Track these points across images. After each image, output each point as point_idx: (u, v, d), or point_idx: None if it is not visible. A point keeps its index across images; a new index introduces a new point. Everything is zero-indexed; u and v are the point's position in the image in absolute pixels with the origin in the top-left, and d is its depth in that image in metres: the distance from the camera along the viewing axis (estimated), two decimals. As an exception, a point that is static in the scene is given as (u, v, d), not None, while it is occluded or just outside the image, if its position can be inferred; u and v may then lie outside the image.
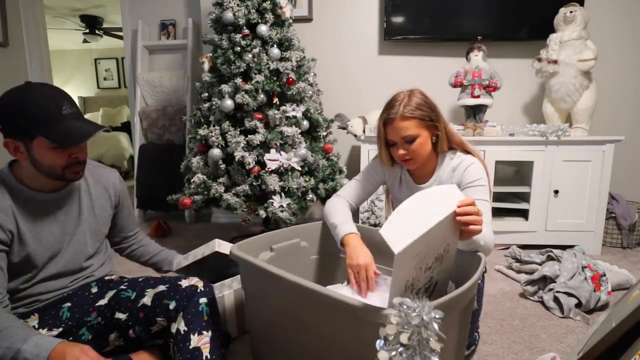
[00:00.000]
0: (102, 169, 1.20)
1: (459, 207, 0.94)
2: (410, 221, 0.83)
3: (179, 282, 1.06)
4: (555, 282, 1.66)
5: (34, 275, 1.02)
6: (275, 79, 2.04)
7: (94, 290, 1.13)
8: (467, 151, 1.28)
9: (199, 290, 1.04)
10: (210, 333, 1.01)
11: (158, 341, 1.10)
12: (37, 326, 1.01)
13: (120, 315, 1.05)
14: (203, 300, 1.04)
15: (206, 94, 2.12)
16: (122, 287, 1.11)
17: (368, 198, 1.43)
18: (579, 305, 1.58)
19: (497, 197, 2.34)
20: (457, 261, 1.13)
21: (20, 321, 0.90)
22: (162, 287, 1.06)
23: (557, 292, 1.60)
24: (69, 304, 1.07)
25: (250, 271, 1.10)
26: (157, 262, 1.36)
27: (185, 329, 0.99)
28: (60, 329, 1.03)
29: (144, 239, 1.37)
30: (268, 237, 1.27)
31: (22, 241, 0.98)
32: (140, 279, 1.13)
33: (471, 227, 0.94)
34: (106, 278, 1.18)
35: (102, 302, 1.09)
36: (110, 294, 1.10)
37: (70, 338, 1.03)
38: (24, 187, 1.00)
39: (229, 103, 1.98)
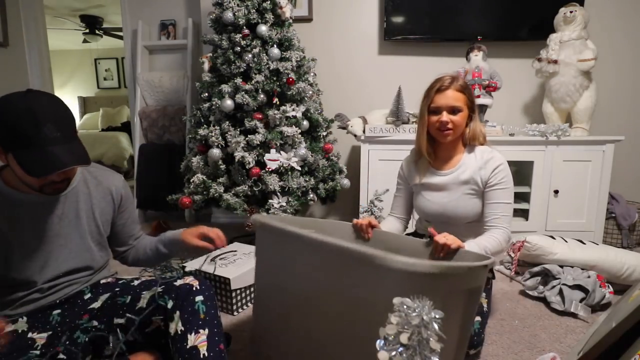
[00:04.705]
0: (106, 172, 1.18)
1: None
2: None
3: (174, 282, 1.06)
4: (556, 278, 1.67)
5: (25, 276, 1.01)
6: (275, 79, 2.04)
7: (87, 296, 1.12)
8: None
9: (194, 289, 1.04)
10: (207, 331, 1.00)
11: (162, 340, 1.10)
12: (26, 329, 1.01)
13: (119, 321, 1.06)
14: (199, 298, 1.04)
15: (206, 94, 2.12)
16: (117, 291, 1.11)
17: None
18: (583, 301, 1.58)
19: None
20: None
21: None
22: (157, 289, 1.06)
23: (563, 284, 1.61)
24: (59, 310, 1.07)
25: (274, 243, 1.11)
26: (157, 245, 1.26)
27: (182, 328, 0.99)
28: (50, 332, 1.03)
29: (141, 238, 1.30)
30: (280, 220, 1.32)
31: (6, 242, 0.98)
32: (134, 282, 1.13)
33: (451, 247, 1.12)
34: (101, 282, 1.17)
35: (95, 304, 1.09)
36: (104, 297, 1.10)
37: (67, 342, 1.02)
38: (13, 190, 0.99)
39: (229, 103, 1.98)
